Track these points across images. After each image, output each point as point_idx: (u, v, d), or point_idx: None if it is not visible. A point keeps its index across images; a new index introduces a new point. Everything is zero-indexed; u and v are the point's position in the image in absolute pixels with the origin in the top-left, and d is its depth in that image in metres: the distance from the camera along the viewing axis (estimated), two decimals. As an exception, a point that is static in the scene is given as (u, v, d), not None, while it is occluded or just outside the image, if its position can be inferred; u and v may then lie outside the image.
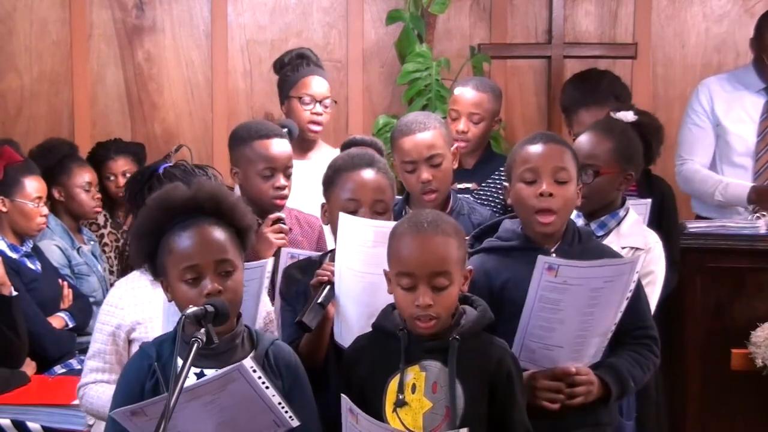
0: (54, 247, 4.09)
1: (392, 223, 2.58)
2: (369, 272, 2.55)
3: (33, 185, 3.86)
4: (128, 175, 4.54)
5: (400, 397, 2.26)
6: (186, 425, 2.08)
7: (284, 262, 2.95)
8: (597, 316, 2.47)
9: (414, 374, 2.29)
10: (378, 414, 2.26)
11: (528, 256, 2.54)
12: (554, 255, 2.57)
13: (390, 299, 2.41)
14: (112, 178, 4.59)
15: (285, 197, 3.21)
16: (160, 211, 2.23)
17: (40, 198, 3.87)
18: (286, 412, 2.12)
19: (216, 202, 2.24)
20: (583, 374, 2.50)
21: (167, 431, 1.93)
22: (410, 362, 2.29)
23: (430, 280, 2.25)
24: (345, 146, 3.48)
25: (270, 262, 2.73)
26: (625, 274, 2.45)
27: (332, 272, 2.61)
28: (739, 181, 4.25)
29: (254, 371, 2.08)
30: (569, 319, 2.45)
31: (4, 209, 3.78)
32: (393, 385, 2.29)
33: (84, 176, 4.32)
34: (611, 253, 2.69)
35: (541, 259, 2.43)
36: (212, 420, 2.10)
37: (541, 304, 2.44)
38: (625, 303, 2.48)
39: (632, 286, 2.46)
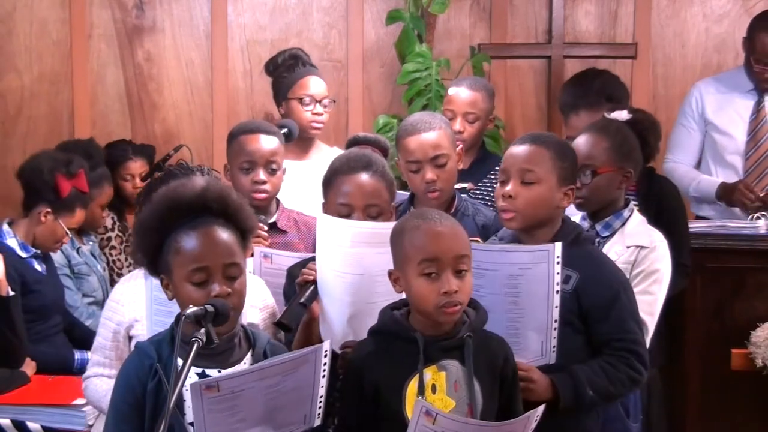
0: None
1: (370, 224, 2.62)
2: (349, 272, 2.56)
3: (79, 218, 3.88)
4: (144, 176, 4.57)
5: (421, 398, 2.26)
6: (244, 406, 2.10)
7: (258, 261, 2.95)
8: (524, 306, 2.49)
9: (432, 374, 2.30)
10: (399, 416, 2.27)
11: None
12: None
13: (371, 299, 2.45)
14: (129, 178, 4.60)
15: (264, 192, 3.20)
16: (168, 208, 2.22)
17: (73, 229, 3.90)
18: (320, 408, 2.16)
19: (223, 202, 2.24)
20: (522, 369, 2.48)
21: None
22: (426, 363, 2.30)
23: (455, 264, 2.27)
24: (349, 144, 3.48)
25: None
26: (542, 262, 2.47)
27: (315, 271, 2.62)
28: (710, 178, 4.32)
29: (325, 356, 2.13)
30: (494, 307, 2.46)
31: (43, 220, 3.77)
32: (412, 386, 2.29)
33: (109, 195, 4.35)
34: (599, 261, 2.68)
35: None
36: (263, 406, 2.12)
37: None
38: (555, 296, 2.48)
39: (557, 277, 2.47)
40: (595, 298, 2.58)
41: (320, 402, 2.17)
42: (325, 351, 2.14)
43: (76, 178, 3.82)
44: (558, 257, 2.47)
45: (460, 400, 2.29)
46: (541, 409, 2.23)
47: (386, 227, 2.46)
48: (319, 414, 2.18)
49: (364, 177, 2.76)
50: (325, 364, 2.14)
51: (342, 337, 2.60)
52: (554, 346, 2.52)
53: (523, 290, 2.49)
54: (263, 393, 2.10)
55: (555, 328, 2.51)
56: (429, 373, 2.30)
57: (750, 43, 4.29)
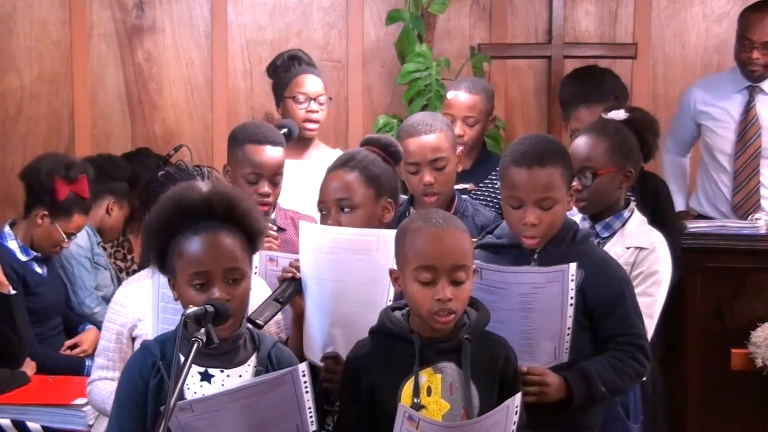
0: (84, 229, 4.10)
1: (351, 230, 2.62)
2: (328, 279, 2.56)
3: (78, 223, 3.86)
4: None
5: (416, 400, 2.26)
6: (225, 423, 2.10)
7: (263, 264, 2.95)
8: (537, 319, 2.49)
9: (428, 377, 2.29)
10: (393, 418, 2.24)
11: (513, 253, 2.63)
12: (536, 255, 2.63)
13: (351, 308, 2.44)
14: None
15: (268, 204, 3.19)
16: (174, 210, 2.22)
17: (73, 234, 3.88)
18: (311, 417, 2.15)
19: (229, 206, 2.23)
20: (535, 374, 2.50)
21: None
22: (423, 365, 2.29)
23: (451, 274, 2.26)
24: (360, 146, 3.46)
25: None
26: (557, 281, 2.46)
27: (298, 268, 2.63)
28: (678, 198, 4.36)
29: (304, 376, 2.11)
30: (507, 320, 2.47)
31: (39, 223, 3.77)
32: (407, 388, 2.29)
33: (125, 214, 4.37)
34: (600, 259, 2.68)
35: None
36: (244, 422, 2.11)
37: None
38: (570, 308, 2.48)
39: (571, 293, 2.46)
40: (600, 296, 2.59)
41: (310, 412, 2.15)
42: (303, 371, 2.12)
43: (76, 183, 3.79)
44: (572, 276, 2.46)
45: (455, 402, 2.27)
46: (518, 397, 2.23)
47: (367, 234, 2.47)
48: (312, 421, 2.16)
49: (339, 172, 2.79)
50: (305, 383, 2.12)
51: (323, 347, 2.60)
52: (567, 348, 2.54)
53: (537, 307, 2.48)
54: (242, 411, 2.10)
55: (568, 334, 2.52)
56: (425, 376, 2.29)
57: (737, 26, 4.32)
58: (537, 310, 2.48)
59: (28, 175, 3.82)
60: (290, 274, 2.63)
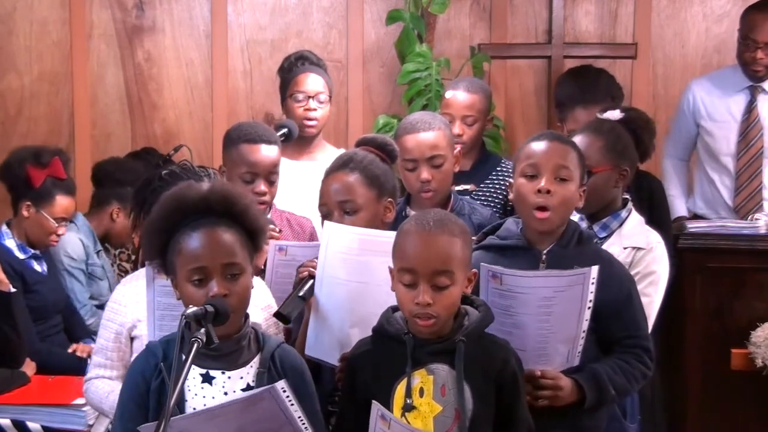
0: (78, 240, 4.12)
1: (379, 232, 2.61)
2: (354, 280, 2.56)
3: (63, 205, 3.86)
4: None
5: (408, 401, 2.26)
6: None
7: (272, 254, 2.95)
8: (555, 323, 2.47)
9: (421, 378, 2.28)
10: None
11: (521, 255, 2.59)
12: (545, 256, 2.61)
13: (376, 307, 2.42)
14: None
15: (264, 203, 3.19)
16: (173, 209, 2.22)
17: (64, 219, 3.88)
18: (304, 425, 2.13)
19: (228, 203, 2.23)
20: (549, 377, 2.50)
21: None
22: (416, 366, 2.28)
23: (432, 279, 2.24)
24: (356, 147, 3.47)
25: None
26: (577, 284, 2.45)
27: (315, 266, 2.63)
28: (679, 204, 4.36)
29: (284, 391, 2.08)
30: (524, 325, 2.46)
31: (26, 215, 3.78)
32: (400, 389, 2.28)
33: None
34: (607, 259, 2.67)
35: (484, 267, 2.46)
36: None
37: (493, 308, 2.44)
38: (587, 312, 2.47)
39: (590, 296, 2.45)
40: (609, 298, 2.57)
41: (302, 421, 2.13)
42: (282, 388, 2.09)
43: (50, 167, 3.81)
44: (593, 279, 2.45)
45: (447, 404, 2.26)
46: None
47: (391, 236, 2.43)
48: (305, 427, 2.14)
49: (339, 174, 2.79)
50: (288, 398, 2.09)
51: (341, 348, 2.59)
52: (579, 352, 2.54)
53: (555, 311, 2.47)
54: (229, 423, 2.09)
55: (582, 338, 2.51)
56: (418, 377, 2.28)
57: (740, 26, 4.30)
58: (555, 314, 2.47)
59: (3, 173, 3.84)
60: (307, 273, 2.63)
